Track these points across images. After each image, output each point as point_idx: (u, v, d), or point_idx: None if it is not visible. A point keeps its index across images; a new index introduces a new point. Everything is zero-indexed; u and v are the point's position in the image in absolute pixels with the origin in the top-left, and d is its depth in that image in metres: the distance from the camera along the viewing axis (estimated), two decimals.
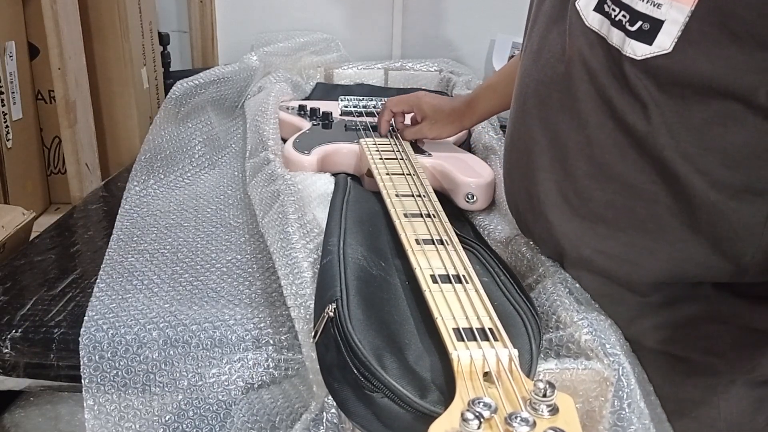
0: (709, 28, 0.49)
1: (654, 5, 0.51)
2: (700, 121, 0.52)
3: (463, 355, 0.46)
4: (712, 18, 0.48)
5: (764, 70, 0.48)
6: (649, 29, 0.51)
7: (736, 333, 0.57)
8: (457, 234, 0.67)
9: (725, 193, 0.53)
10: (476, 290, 0.56)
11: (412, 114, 0.99)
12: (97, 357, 0.63)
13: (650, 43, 0.51)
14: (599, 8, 0.56)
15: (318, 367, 0.53)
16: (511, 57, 1.56)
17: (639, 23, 0.52)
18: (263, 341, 0.64)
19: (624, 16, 0.53)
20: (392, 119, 1.00)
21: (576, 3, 0.58)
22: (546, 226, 0.64)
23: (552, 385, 0.41)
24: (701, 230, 0.55)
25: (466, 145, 1.07)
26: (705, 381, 0.58)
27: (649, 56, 0.52)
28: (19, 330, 0.68)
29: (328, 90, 1.43)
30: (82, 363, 0.63)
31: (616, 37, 0.54)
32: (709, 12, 0.48)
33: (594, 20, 0.56)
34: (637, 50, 0.52)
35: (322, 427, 0.51)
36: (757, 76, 0.49)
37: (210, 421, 0.62)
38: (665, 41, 0.50)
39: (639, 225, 0.57)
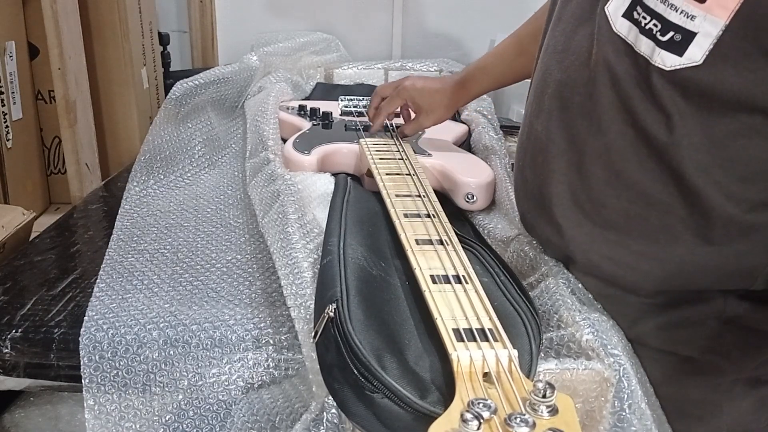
0: (741, 42, 0.48)
1: (688, 17, 0.50)
2: (723, 134, 0.51)
3: (462, 356, 0.46)
4: (745, 32, 0.48)
5: None
6: (681, 40, 0.51)
7: (740, 333, 0.57)
8: (456, 234, 0.67)
9: (742, 206, 0.53)
10: (476, 291, 0.56)
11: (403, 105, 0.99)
12: (97, 357, 0.63)
13: (681, 55, 0.51)
14: (628, 15, 0.55)
15: (318, 367, 0.53)
16: None
17: (671, 34, 0.51)
18: (263, 341, 0.64)
19: (655, 25, 0.52)
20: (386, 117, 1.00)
21: (606, 7, 0.57)
22: (555, 228, 0.64)
23: (551, 386, 0.41)
24: (714, 242, 0.55)
25: (466, 145, 1.08)
26: (709, 381, 0.58)
27: (678, 67, 0.51)
28: (19, 330, 0.68)
29: (328, 90, 1.43)
30: (82, 363, 0.63)
31: (645, 45, 0.53)
32: (742, 26, 0.48)
33: (622, 27, 0.55)
34: (666, 61, 0.52)
35: (322, 427, 0.52)
36: None
37: (210, 421, 0.62)
38: (696, 53, 0.50)
39: (651, 235, 0.57)
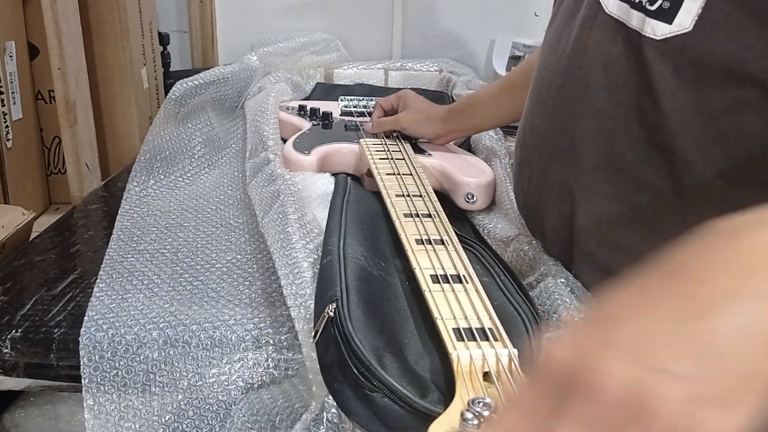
0: (728, 6, 0.48)
1: None
2: (715, 108, 0.51)
3: (462, 355, 0.46)
4: None
5: None
6: (669, 8, 0.51)
7: None
8: (456, 234, 0.67)
9: (735, 183, 0.53)
10: (476, 290, 0.56)
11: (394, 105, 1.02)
12: (97, 357, 0.63)
13: (670, 22, 0.51)
14: None
15: (318, 367, 0.53)
16: (511, 57, 1.56)
17: (659, 2, 0.52)
18: (263, 341, 0.64)
19: None
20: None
21: None
22: (555, 219, 0.64)
23: None
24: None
25: (466, 145, 1.08)
26: None
27: (669, 35, 0.51)
28: (19, 330, 0.68)
29: (328, 90, 1.43)
30: (82, 363, 0.63)
31: (636, 19, 0.54)
32: None
33: (614, 7, 0.56)
34: (657, 30, 0.52)
35: (322, 427, 0.52)
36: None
37: (210, 421, 0.62)
38: (686, 19, 0.50)
39: (644, 219, 0.57)
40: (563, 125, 0.61)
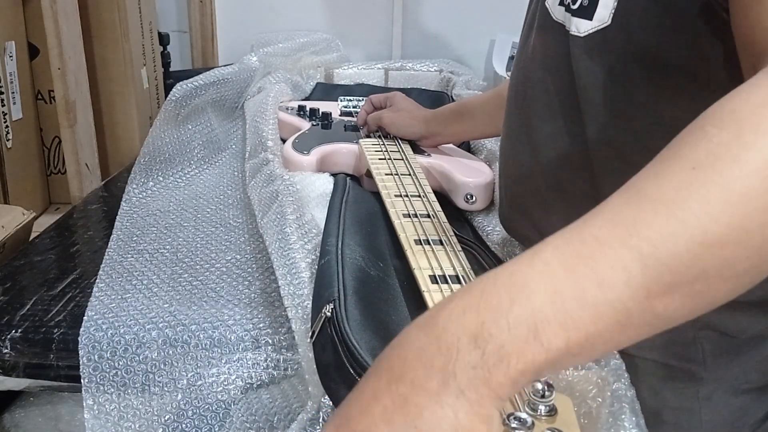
0: None
1: None
2: (646, 98, 0.51)
3: None
4: None
5: (694, 36, 0.47)
6: (589, 4, 0.52)
7: (715, 340, 0.56)
8: (456, 234, 0.67)
9: None
10: None
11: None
12: (96, 357, 0.63)
13: (591, 18, 0.52)
14: (561, 1, 0.57)
15: (315, 367, 0.53)
16: (511, 57, 1.56)
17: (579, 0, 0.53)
18: (262, 341, 0.64)
19: None
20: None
21: (545, 2, 0.59)
22: (529, 227, 0.65)
23: (550, 386, 0.41)
24: None
25: (466, 146, 1.08)
26: (686, 387, 0.57)
27: (591, 31, 0.52)
28: (19, 330, 0.68)
29: (328, 90, 1.43)
30: (81, 363, 0.63)
31: (566, 20, 0.55)
32: None
33: (559, 13, 0.57)
34: (580, 27, 0.53)
35: (318, 426, 0.52)
36: (688, 46, 0.48)
37: (209, 421, 0.62)
38: (604, 14, 0.51)
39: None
40: (528, 131, 0.62)
